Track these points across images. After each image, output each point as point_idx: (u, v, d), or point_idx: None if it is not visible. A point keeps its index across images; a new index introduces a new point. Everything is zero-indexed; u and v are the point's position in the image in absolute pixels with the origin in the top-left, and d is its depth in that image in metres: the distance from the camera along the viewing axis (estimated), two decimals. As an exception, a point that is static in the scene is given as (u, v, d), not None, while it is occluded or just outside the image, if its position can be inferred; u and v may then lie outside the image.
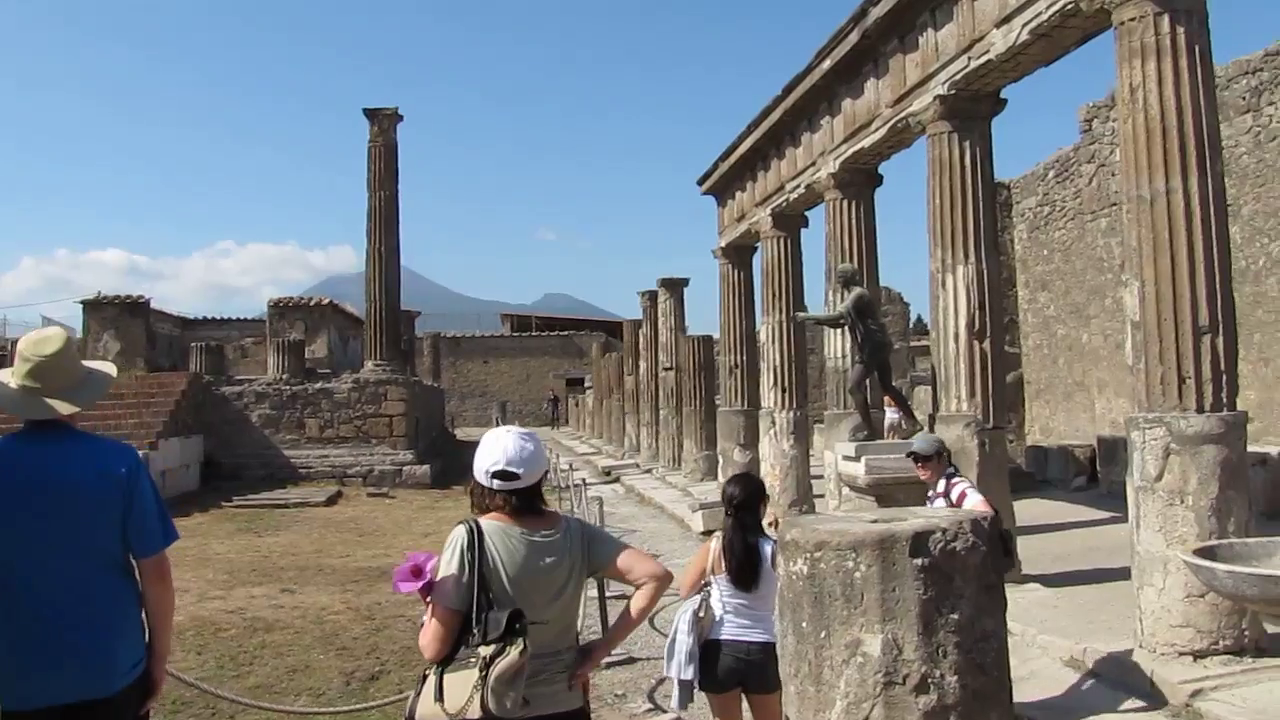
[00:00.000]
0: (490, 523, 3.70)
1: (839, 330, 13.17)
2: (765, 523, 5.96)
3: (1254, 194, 15.70)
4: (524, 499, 3.74)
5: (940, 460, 7.51)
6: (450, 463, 32.76)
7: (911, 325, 38.24)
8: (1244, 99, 15.88)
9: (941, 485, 7.33)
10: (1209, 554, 5.24)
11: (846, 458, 10.92)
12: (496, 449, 3.73)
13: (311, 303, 36.82)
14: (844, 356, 13.07)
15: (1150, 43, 7.76)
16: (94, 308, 32.66)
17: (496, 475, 3.70)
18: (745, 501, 5.80)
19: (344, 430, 27.11)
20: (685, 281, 28.39)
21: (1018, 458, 21.10)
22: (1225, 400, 7.54)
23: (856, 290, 11.45)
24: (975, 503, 6.90)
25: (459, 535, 3.68)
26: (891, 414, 14.54)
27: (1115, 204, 16.88)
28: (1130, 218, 7.92)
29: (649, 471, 28.39)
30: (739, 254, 20.46)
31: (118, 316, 32.43)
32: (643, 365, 31.93)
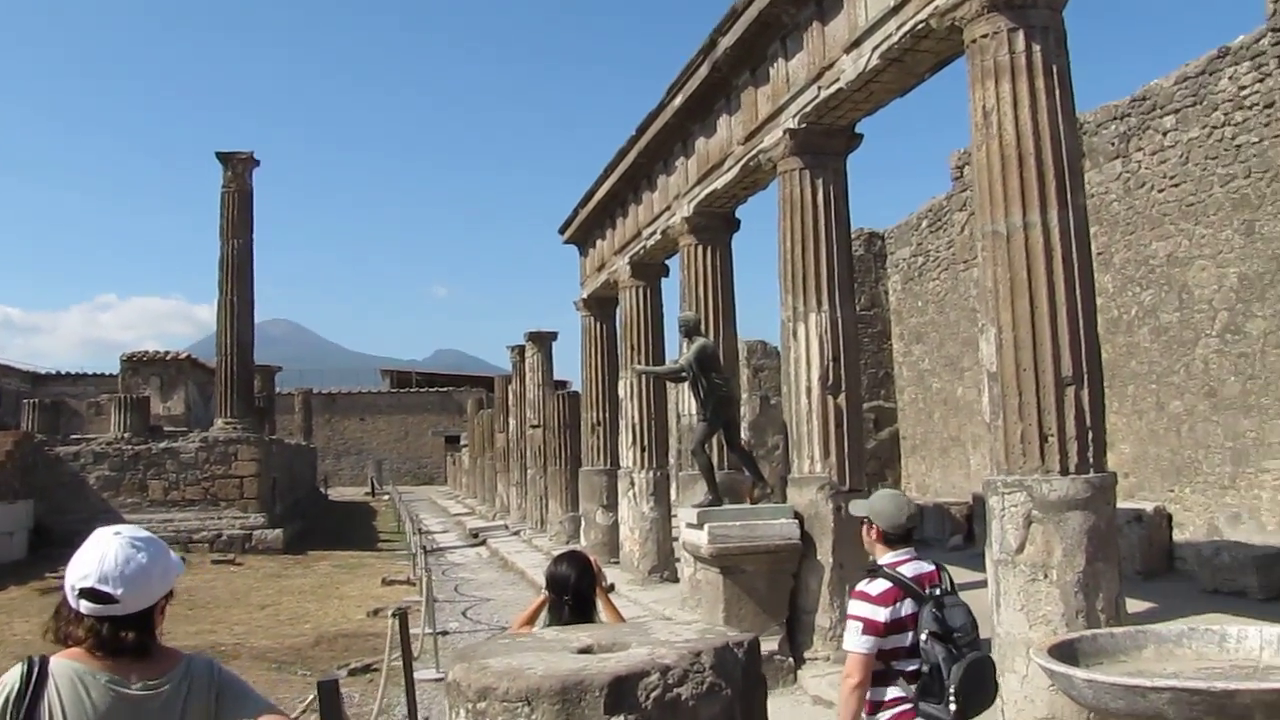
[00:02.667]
0: (64, 663, 2.56)
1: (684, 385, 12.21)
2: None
3: (1125, 242, 15.17)
4: (123, 632, 2.57)
5: (869, 531, 4.75)
6: (315, 526, 31.19)
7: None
8: (1113, 145, 15.40)
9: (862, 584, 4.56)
10: (1068, 650, 4.29)
11: (690, 525, 9.92)
12: (91, 557, 2.58)
13: (168, 357, 35.01)
14: (695, 414, 12.12)
15: (1004, 61, 6.97)
16: (-75, 363, 30.68)
17: (85, 594, 2.55)
18: (581, 585, 4.75)
19: (190, 493, 25.35)
20: (553, 335, 27.40)
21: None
22: (1092, 460, 6.68)
23: (699, 341, 10.46)
24: (846, 642, 4.38)
25: (9, 680, 2.54)
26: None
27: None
28: (986, 256, 7.07)
29: (517, 534, 27.19)
30: (601, 306, 19.54)
31: (-50, 373, 30.51)
32: (512, 423, 30.77)
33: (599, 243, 19.00)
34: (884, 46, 8.56)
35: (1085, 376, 6.72)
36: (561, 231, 20.61)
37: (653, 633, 2.61)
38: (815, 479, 9.73)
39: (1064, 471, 6.58)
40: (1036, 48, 6.92)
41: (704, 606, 10.18)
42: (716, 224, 13.36)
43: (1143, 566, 13.41)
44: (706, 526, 9.36)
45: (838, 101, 9.64)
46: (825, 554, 9.53)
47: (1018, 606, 6.60)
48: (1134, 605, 10.34)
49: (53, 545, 23.75)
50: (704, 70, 11.93)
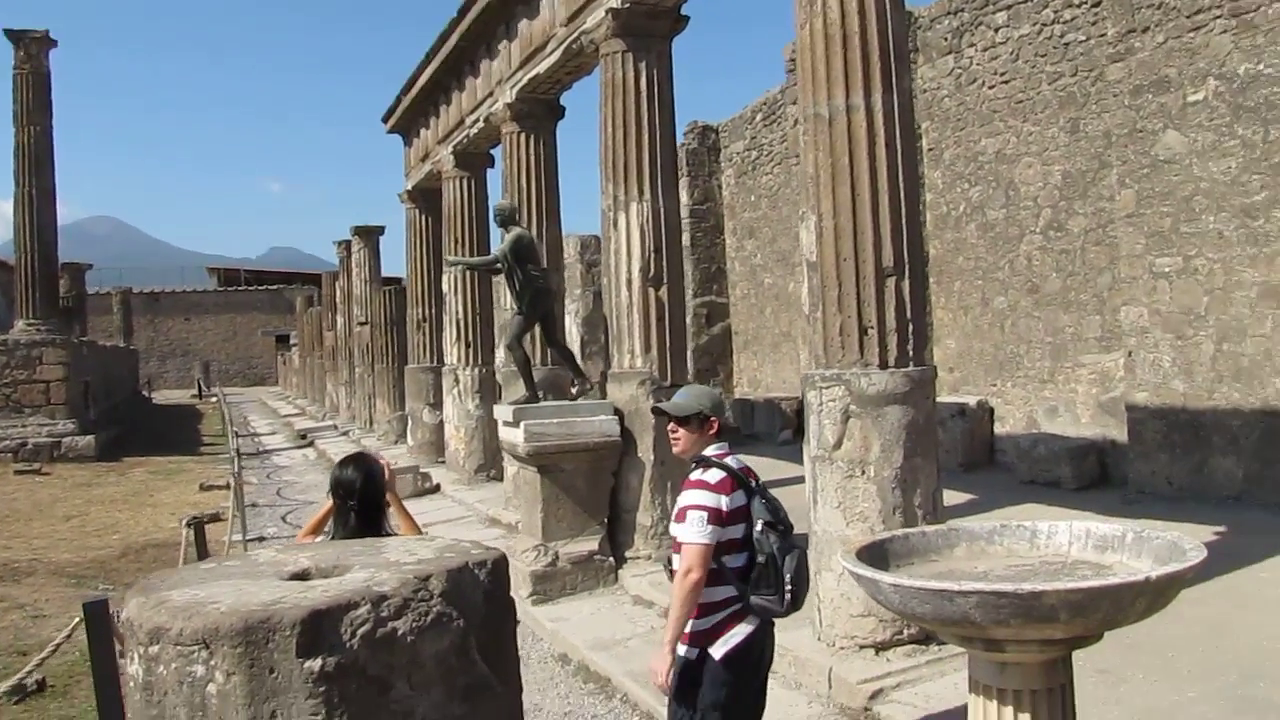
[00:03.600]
0: None
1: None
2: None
3: (955, 138, 15.13)
4: None
5: (703, 427, 4.46)
6: (135, 431, 29.89)
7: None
8: (946, 40, 15.27)
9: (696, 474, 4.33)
10: (878, 551, 4.06)
11: (506, 423, 9.54)
12: None
13: (-33, 255, 32.89)
14: (512, 308, 11.67)
15: (828, -67, 6.57)
16: None
17: None
18: (369, 490, 4.46)
19: (-11, 400, 23.89)
20: (381, 230, 26.55)
21: (725, 411, 20.34)
22: (911, 354, 6.44)
23: (515, 231, 9.96)
24: (686, 534, 4.14)
25: None
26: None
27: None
28: (807, 140, 6.71)
29: (346, 434, 26.59)
30: (426, 197, 18.83)
31: None
32: (340, 320, 29.90)
33: (423, 132, 18.24)
34: (708, -81, 8.12)
35: (906, 267, 6.45)
36: (385, 120, 19.73)
37: (384, 552, 2.23)
38: (636, 374, 9.42)
39: (883, 365, 6.34)
40: (864, -82, 6.55)
41: (524, 506, 9.88)
42: (540, 111, 12.80)
43: (964, 459, 13.62)
44: (522, 424, 8.98)
45: (663, -21, 9.19)
46: (646, 451, 9.25)
47: (835, 504, 6.40)
48: (955, 497, 10.41)
49: None
50: (526, -55, 11.32)
